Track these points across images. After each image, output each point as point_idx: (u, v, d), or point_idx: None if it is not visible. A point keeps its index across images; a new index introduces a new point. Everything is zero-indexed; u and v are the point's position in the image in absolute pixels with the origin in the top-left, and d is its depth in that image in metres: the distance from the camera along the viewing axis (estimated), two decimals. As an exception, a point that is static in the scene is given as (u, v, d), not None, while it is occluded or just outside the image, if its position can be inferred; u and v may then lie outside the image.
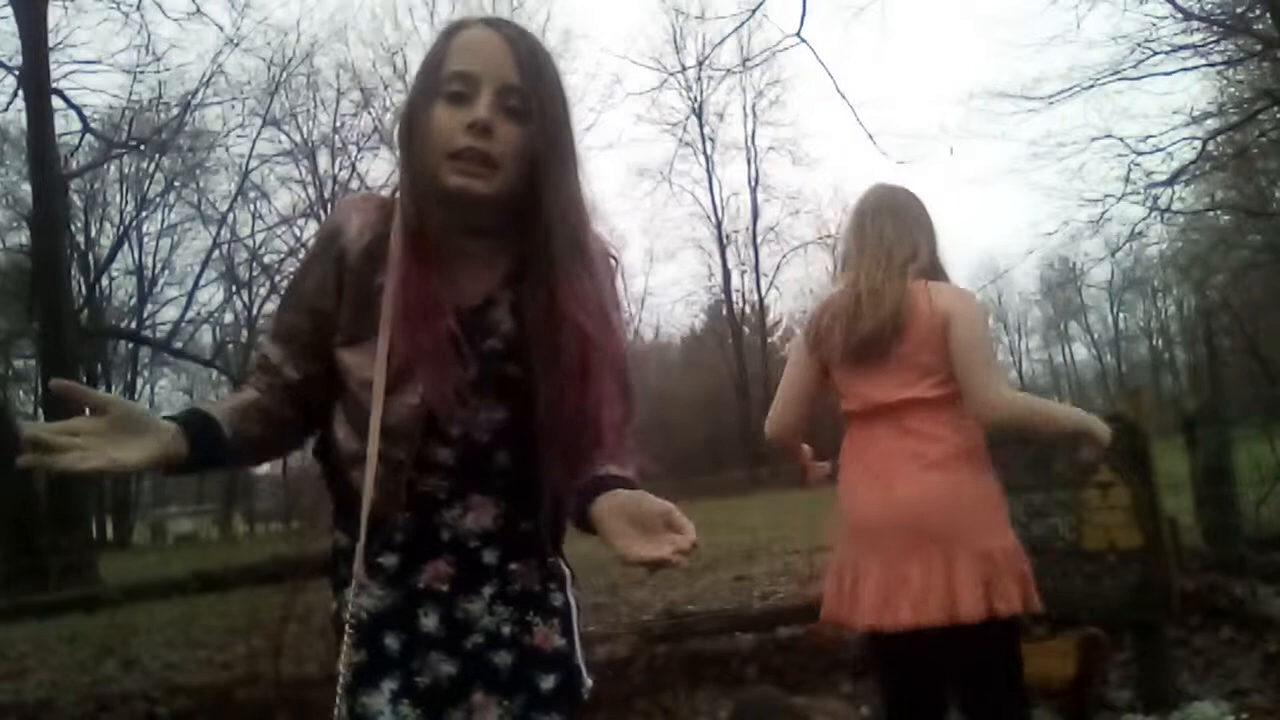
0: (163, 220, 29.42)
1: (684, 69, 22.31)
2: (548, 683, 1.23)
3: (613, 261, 1.31)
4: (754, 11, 9.04)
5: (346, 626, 1.18)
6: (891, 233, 2.16)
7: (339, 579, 1.25)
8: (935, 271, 2.18)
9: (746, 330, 35.20)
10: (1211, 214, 19.61)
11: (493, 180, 1.15)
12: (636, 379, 1.38)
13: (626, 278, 1.37)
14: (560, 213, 1.18)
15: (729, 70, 20.22)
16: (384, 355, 1.18)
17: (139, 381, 31.34)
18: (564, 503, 1.24)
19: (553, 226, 1.18)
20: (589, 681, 1.28)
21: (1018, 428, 2.20)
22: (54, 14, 14.60)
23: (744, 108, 34.64)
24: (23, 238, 22.32)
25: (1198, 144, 14.56)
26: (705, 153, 34.47)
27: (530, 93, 1.16)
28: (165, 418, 1.14)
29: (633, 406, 1.31)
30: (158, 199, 28.23)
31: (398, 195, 1.24)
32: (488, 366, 1.20)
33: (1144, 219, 15.09)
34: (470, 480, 1.22)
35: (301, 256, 1.27)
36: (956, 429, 2.08)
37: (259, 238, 28.42)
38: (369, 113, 26.96)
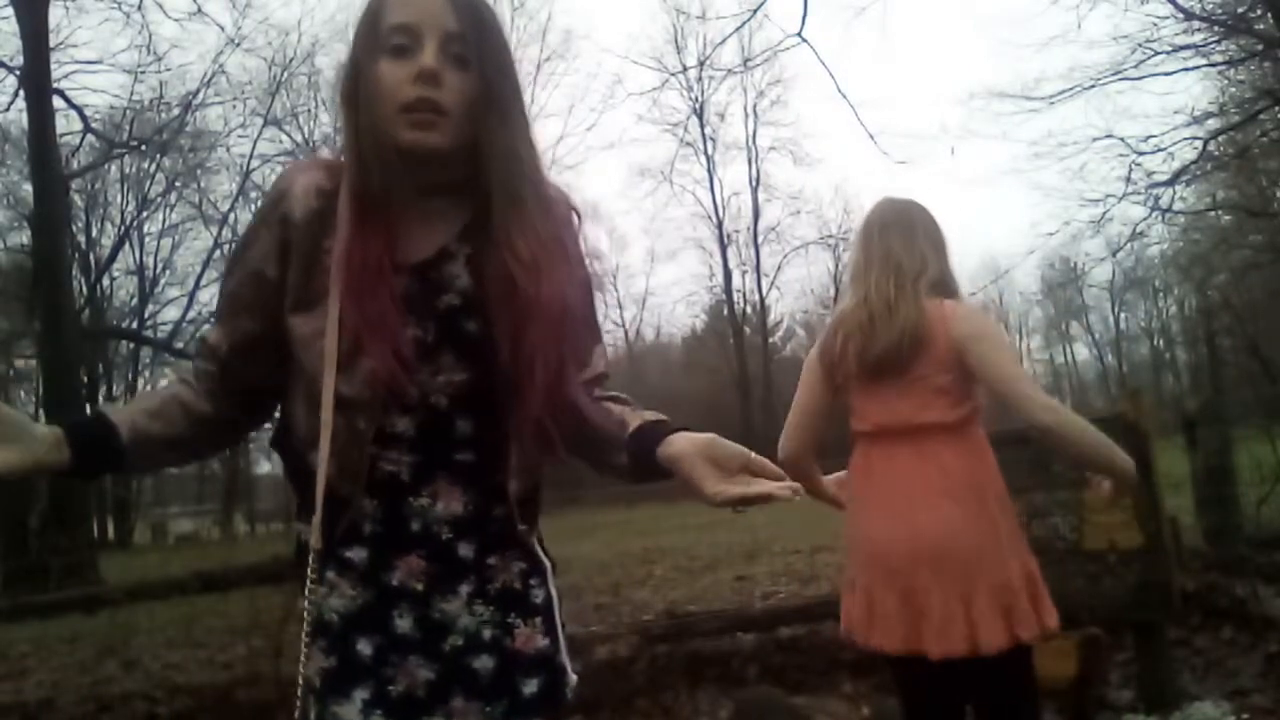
0: (164, 220, 29.40)
1: (685, 69, 22.38)
2: (530, 687, 1.19)
3: (574, 214, 1.28)
4: (755, 11, 9.07)
5: (304, 624, 1.13)
6: (899, 246, 2.13)
7: (306, 577, 1.18)
8: (945, 285, 2.15)
9: (748, 330, 35.17)
10: (1212, 214, 19.59)
11: (445, 130, 1.13)
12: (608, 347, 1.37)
13: (590, 232, 1.32)
14: (503, 158, 1.15)
15: (730, 70, 20.39)
16: (335, 320, 1.13)
17: (140, 381, 31.33)
18: (536, 471, 1.22)
19: (495, 172, 1.15)
20: (573, 679, 1.24)
21: (1061, 442, 2.05)
22: (55, 14, 14.60)
23: (745, 108, 34.64)
24: (24, 238, 22.33)
25: (1199, 144, 14.55)
26: (706, 153, 34.47)
27: (472, 39, 1.14)
28: (62, 422, 1.12)
29: (601, 357, 1.30)
30: (159, 199, 28.23)
31: (343, 157, 1.20)
32: (446, 324, 1.17)
33: (1145, 219, 15.08)
34: (433, 455, 1.17)
35: (249, 222, 1.29)
36: (973, 453, 2.06)
37: (260, 238, 28.37)
38: (370, 113, 26.91)
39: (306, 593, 1.14)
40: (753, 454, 1.10)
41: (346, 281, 1.13)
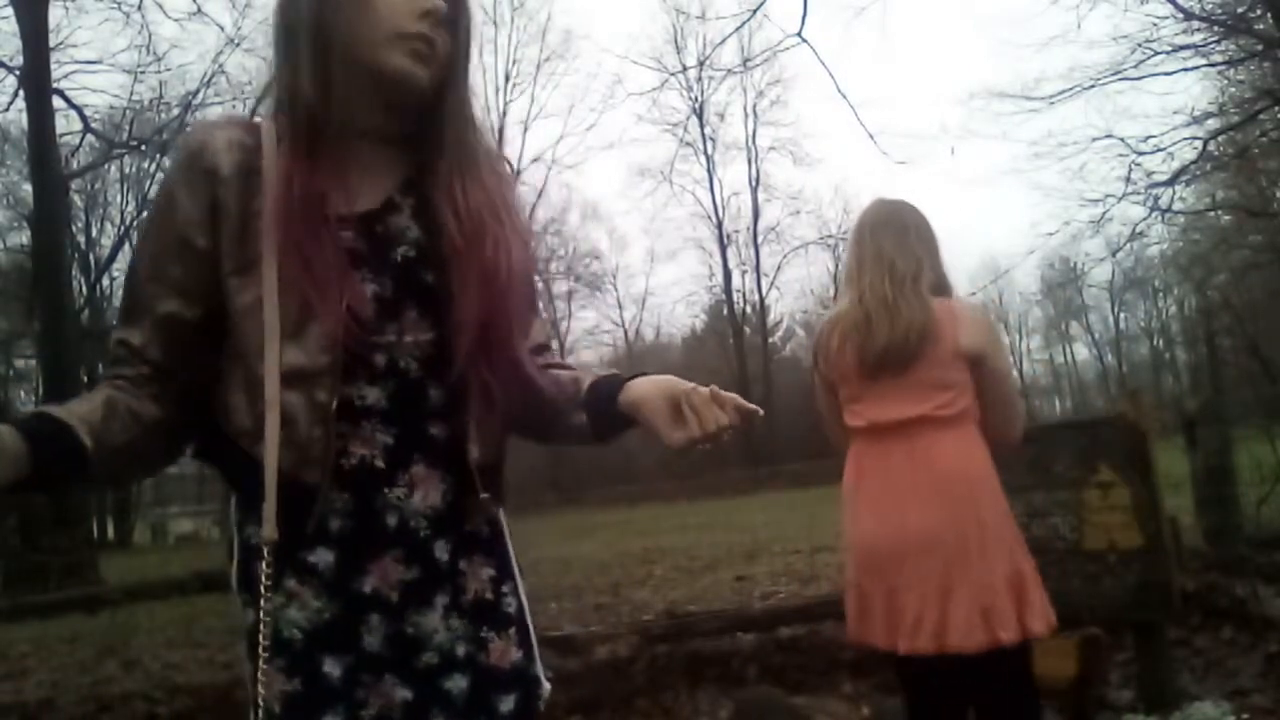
0: (163, 220, 29.46)
1: (685, 69, 22.29)
2: (506, 704, 1.12)
3: (509, 167, 1.27)
4: (755, 11, 9.04)
5: (260, 638, 0.99)
6: (891, 247, 2.15)
7: (254, 584, 1.03)
8: (939, 285, 2.17)
9: (748, 330, 35.19)
10: (1212, 214, 19.59)
11: (433, 71, 1.12)
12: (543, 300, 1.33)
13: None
14: (462, 114, 1.15)
15: (730, 70, 20.38)
16: (273, 282, 1.02)
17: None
18: (498, 442, 1.16)
19: (452, 125, 1.14)
20: (547, 688, 1.19)
21: None
22: (55, 14, 14.57)
23: (745, 108, 34.68)
24: (23, 238, 22.39)
25: (1198, 144, 14.54)
26: (706, 153, 34.51)
27: (460, 2, 1.16)
28: (19, 426, 0.95)
29: (541, 331, 1.27)
30: (158, 199, 28.27)
31: (286, 87, 1.11)
32: (405, 276, 1.10)
33: (1145, 219, 15.07)
34: (408, 430, 1.08)
35: (156, 196, 1.15)
36: (967, 448, 2.07)
37: (259, 238, 28.36)
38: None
39: (263, 595, 1.00)
40: (696, 388, 1.05)
41: (285, 236, 1.03)
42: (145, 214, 1.08)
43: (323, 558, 1.05)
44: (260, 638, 1.00)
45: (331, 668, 1.04)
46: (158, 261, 1.08)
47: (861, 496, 2.15)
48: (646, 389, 1.08)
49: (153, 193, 27.63)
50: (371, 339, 1.06)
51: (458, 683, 1.10)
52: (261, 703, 1.00)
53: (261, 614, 1.00)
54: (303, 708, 1.02)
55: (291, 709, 1.02)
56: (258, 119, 1.13)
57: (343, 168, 1.10)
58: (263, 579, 1.00)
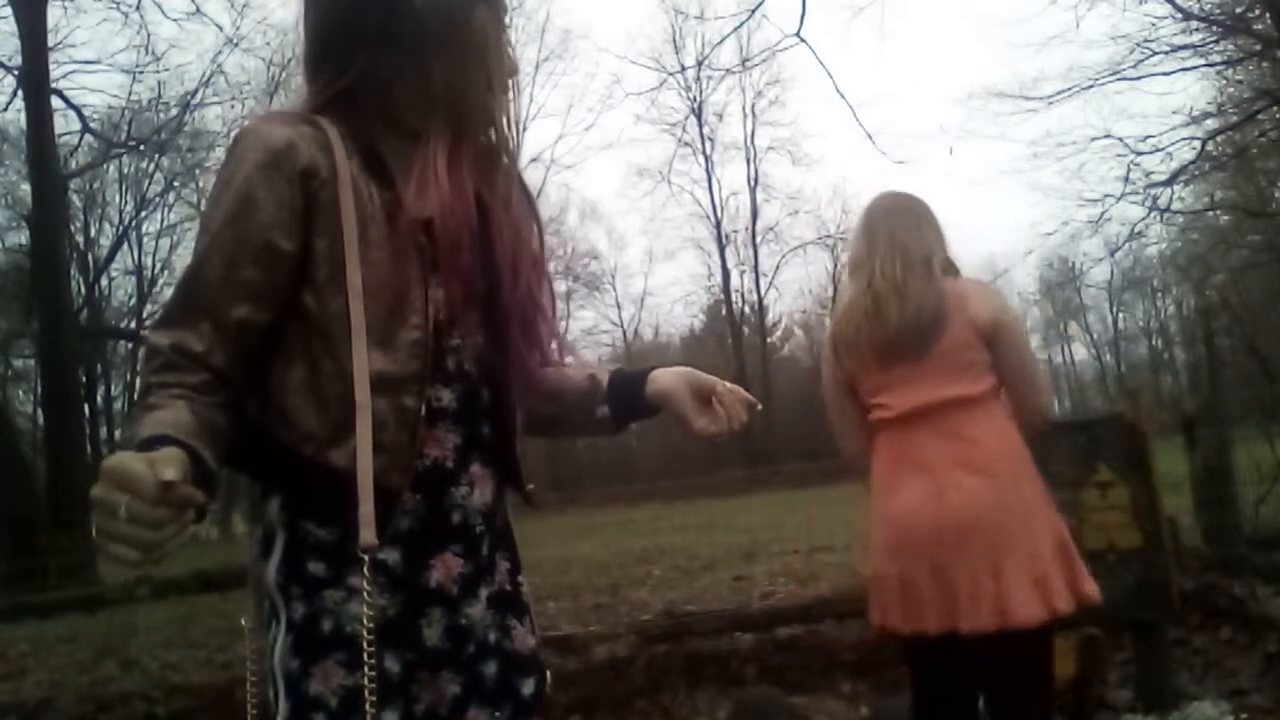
0: (162, 220, 29.32)
1: (683, 69, 22.29)
2: (528, 688, 1.17)
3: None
4: (753, 12, 9.07)
5: (364, 641, 0.99)
6: (903, 233, 2.14)
7: (310, 580, 1.04)
8: (950, 269, 2.17)
9: (746, 330, 35.15)
10: (1211, 214, 19.61)
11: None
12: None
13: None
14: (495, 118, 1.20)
15: (728, 70, 20.35)
16: (358, 285, 1.03)
17: (139, 381, 31.30)
18: (518, 433, 1.20)
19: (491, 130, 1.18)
20: (548, 675, 1.23)
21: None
22: (54, 14, 14.58)
23: (743, 108, 34.55)
24: (22, 238, 22.31)
25: (1197, 144, 14.57)
26: (704, 153, 34.41)
27: None
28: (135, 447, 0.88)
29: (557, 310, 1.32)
30: (157, 199, 28.17)
31: (346, 87, 1.10)
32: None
33: (1143, 219, 15.15)
34: (470, 435, 1.12)
35: (225, 194, 1.04)
36: (998, 427, 2.06)
37: (258, 238, 28.31)
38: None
39: (366, 601, 1.00)
40: (723, 383, 1.19)
41: (370, 243, 1.05)
42: (209, 212, 1.04)
43: (389, 556, 1.06)
44: (365, 642, 0.99)
45: (392, 663, 1.05)
46: (232, 264, 1.02)
47: (895, 482, 2.09)
48: (673, 381, 1.20)
49: (151, 193, 27.61)
50: (444, 343, 1.10)
51: (490, 668, 1.13)
52: (371, 694, 0.99)
53: (365, 619, 1.00)
54: (364, 702, 1.02)
55: (351, 703, 1.02)
56: (317, 116, 1.10)
57: (404, 171, 1.10)
58: (365, 585, 1.00)
